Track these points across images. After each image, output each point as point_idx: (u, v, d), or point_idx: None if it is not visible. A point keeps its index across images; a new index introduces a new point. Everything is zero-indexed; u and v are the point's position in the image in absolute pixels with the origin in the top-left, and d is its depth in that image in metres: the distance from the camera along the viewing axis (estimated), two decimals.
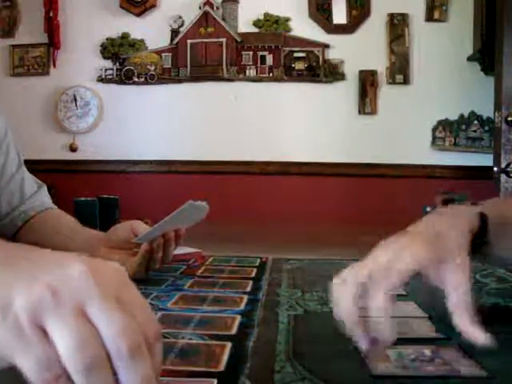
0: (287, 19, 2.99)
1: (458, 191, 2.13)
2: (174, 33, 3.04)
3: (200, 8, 3.01)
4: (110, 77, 3.08)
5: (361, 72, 2.93)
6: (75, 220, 1.05)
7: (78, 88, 3.07)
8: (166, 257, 0.85)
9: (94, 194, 2.15)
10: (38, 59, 3.11)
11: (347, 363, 0.49)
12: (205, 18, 3.01)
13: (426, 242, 0.53)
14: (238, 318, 0.62)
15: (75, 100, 3.07)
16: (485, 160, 2.74)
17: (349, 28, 2.96)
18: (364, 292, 0.50)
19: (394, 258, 0.51)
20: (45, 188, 1.13)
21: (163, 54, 3.06)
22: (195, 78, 3.03)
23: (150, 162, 3.05)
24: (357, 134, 2.96)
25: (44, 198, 1.09)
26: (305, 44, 2.97)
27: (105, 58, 3.08)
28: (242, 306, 0.67)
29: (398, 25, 2.91)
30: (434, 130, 2.91)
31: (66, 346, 0.30)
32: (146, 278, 0.83)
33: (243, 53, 3.01)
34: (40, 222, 1.03)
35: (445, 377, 0.46)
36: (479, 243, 0.59)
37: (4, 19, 3.12)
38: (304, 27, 2.98)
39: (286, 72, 2.99)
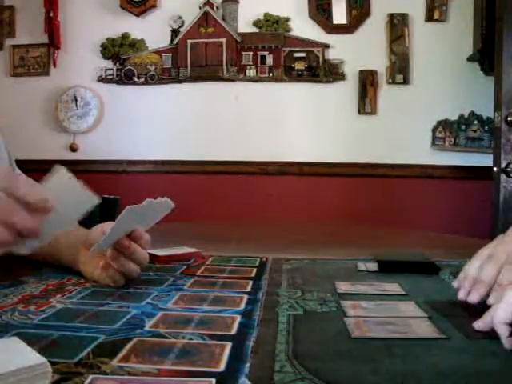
0: (287, 19, 2.99)
1: None
2: (174, 33, 3.04)
3: (200, 8, 3.01)
4: (110, 77, 3.08)
5: (361, 72, 2.93)
6: None
7: (78, 88, 3.08)
8: (138, 257, 0.77)
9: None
10: (38, 59, 3.12)
11: (347, 363, 0.49)
12: (205, 18, 3.01)
13: None
14: (238, 318, 0.62)
15: (75, 100, 3.07)
16: (484, 160, 2.74)
17: (349, 28, 2.96)
18: None
19: None
20: None
21: (163, 54, 3.06)
22: (195, 78, 3.03)
23: (150, 162, 3.05)
24: (357, 134, 2.96)
25: None
26: (305, 44, 2.97)
27: (105, 58, 3.08)
28: (242, 306, 0.67)
29: (398, 25, 2.91)
30: (434, 130, 2.91)
31: None
32: (123, 283, 0.76)
33: (243, 53, 3.01)
34: None
35: None
36: None
37: (4, 19, 3.12)
38: (304, 27, 2.98)
39: (286, 72, 2.99)
